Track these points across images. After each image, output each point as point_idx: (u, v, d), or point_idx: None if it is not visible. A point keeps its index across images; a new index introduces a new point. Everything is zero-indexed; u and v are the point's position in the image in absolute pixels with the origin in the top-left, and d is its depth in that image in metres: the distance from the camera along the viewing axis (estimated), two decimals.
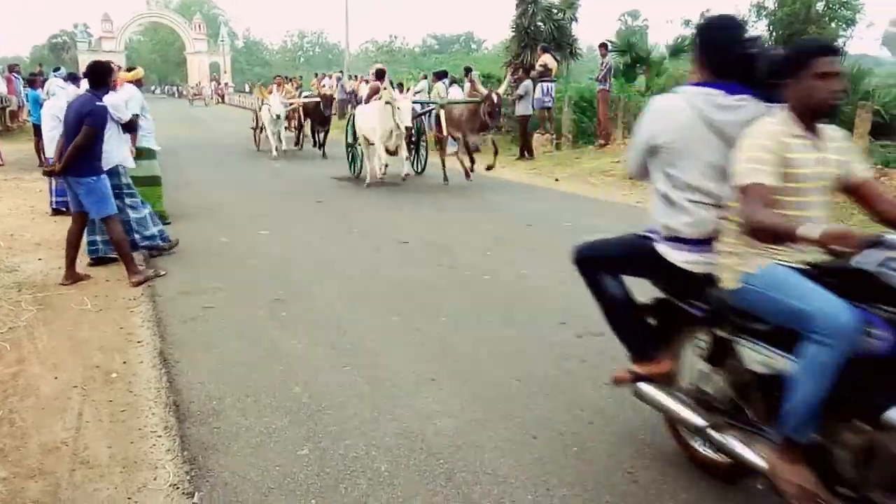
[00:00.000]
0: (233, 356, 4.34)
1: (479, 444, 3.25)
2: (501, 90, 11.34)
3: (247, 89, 59.20)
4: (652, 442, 3.25)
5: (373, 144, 11.46)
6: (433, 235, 7.82)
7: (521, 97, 15.10)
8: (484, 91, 10.53)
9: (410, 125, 10.49)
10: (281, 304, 5.33)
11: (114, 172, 6.23)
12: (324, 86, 19.70)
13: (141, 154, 7.99)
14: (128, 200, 6.58)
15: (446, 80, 16.76)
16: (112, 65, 6.37)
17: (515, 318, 5.06)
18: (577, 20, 20.70)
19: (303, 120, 17.76)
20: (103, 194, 5.86)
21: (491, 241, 7.50)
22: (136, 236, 6.62)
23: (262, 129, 17.46)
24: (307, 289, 5.79)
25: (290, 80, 21.40)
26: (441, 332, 4.77)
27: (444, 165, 12.09)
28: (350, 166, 12.80)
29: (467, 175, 11.57)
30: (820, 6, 16.05)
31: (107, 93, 6.06)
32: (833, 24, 16.12)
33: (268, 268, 6.45)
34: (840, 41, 16.70)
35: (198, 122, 31.00)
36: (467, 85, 15.60)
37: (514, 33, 20.25)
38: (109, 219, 5.92)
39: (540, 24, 19.75)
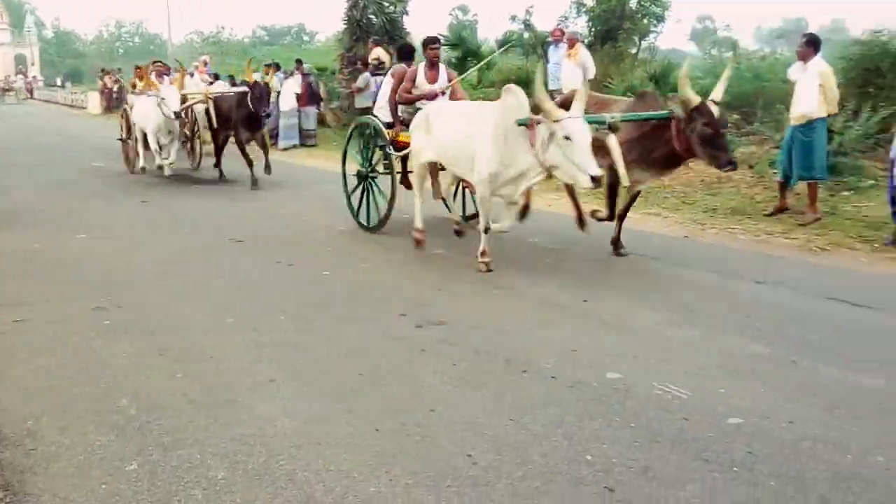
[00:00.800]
0: (50, 372, 4.00)
1: (322, 441, 3.21)
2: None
3: (58, 83, 54.92)
4: (489, 424, 3.35)
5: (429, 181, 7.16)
6: (269, 232, 7.62)
7: (360, 90, 15.02)
8: (695, 98, 5.56)
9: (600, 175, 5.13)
10: (103, 312, 4.98)
11: None
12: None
13: None
14: None
15: (280, 74, 16.40)
16: None
17: (357, 312, 5.03)
18: (408, 13, 20.87)
19: (209, 125, 11.48)
20: None
21: (335, 235, 7.43)
22: None
23: (135, 138, 11.66)
24: (132, 294, 5.45)
25: (108, 72, 19.61)
26: (280, 331, 4.66)
27: (580, 217, 6.78)
28: (356, 210, 7.70)
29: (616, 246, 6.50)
30: (633, 3, 17.12)
31: None
32: (645, 20, 17.26)
33: (87, 274, 6.01)
34: (651, 36, 17.96)
35: (7, 119, 28.32)
36: (297, 76, 15.33)
37: (346, 26, 20.12)
38: None
39: (372, 16, 19.73)
